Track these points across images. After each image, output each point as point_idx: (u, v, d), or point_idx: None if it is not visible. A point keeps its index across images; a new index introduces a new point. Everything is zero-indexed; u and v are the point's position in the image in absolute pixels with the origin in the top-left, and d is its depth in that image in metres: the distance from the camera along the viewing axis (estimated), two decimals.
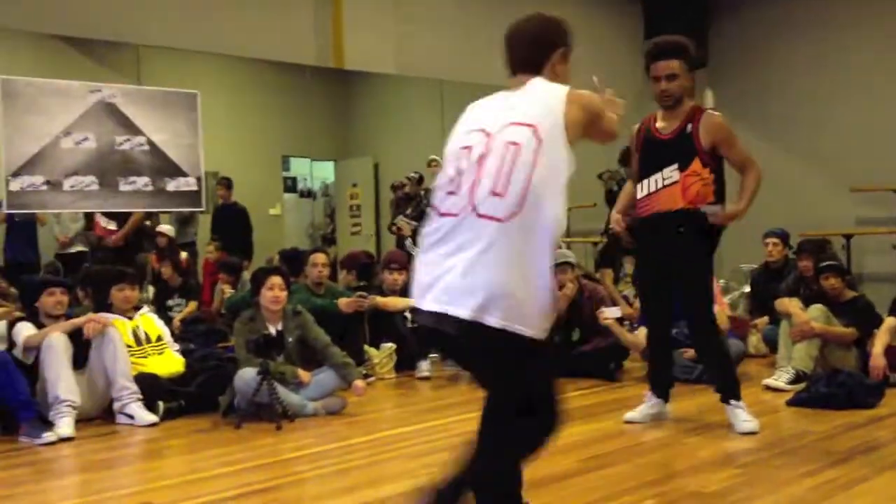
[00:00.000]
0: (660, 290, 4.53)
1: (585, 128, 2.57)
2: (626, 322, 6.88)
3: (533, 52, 2.68)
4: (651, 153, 4.43)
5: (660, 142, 4.39)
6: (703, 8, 10.18)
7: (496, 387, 2.54)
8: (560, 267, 6.43)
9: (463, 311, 2.33)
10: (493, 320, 2.32)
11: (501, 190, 2.39)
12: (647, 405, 4.67)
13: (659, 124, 4.43)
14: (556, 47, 2.70)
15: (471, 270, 2.36)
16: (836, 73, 9.34)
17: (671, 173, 4.30)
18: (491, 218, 2.38)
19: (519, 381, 2.48)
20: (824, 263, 5.98)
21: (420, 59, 8.83)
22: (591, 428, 4.48)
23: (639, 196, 4.47)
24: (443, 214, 2.48)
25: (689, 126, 4.32)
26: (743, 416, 4.34)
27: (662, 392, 4.66)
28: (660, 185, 4.34)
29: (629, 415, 4.66)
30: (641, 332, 6.05)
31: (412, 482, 3.63)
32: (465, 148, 2.52)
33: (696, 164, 4.27)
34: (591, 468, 3.77)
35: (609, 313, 6.07)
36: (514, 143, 2.43)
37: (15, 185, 6.50)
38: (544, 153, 2.41)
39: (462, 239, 2.40)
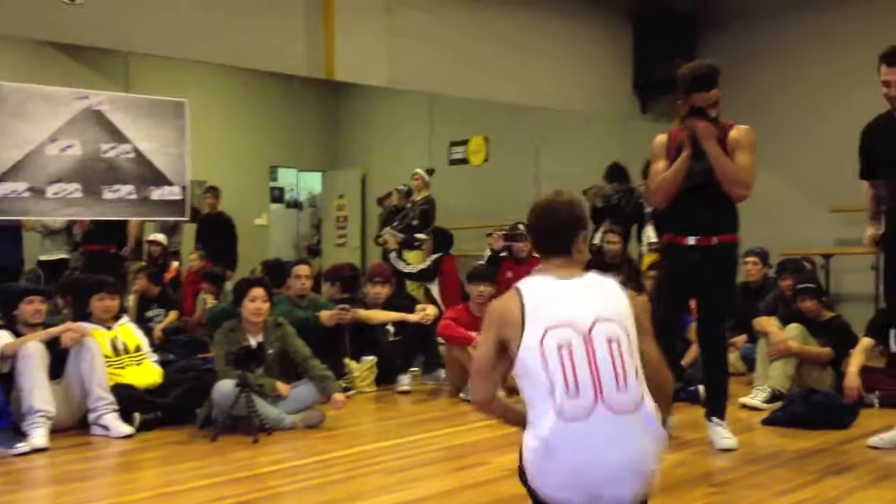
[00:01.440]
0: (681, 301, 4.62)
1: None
2: None
3: (564, 237, 2.93)
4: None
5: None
6: (691, 26, 10.25)
7: None
8: None
9: None
10: None
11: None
12: None
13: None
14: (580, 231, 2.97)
15: None
16: (819, 93, 9.41)
17: None
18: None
19: None
20: (801, 286, 6.02)
21: (411, 72, 8.85)
22: None
23: None
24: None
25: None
26: (724, 434, 4.39)
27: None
28: None
29: None
30: None
31: (390, 497, 3.64)
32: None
33: None
34: None
35: None
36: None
37: None
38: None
39: None
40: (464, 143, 11.79)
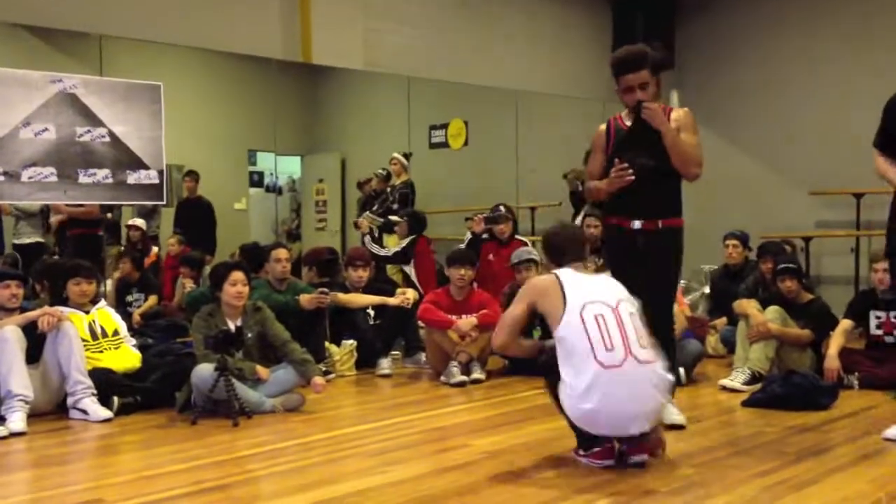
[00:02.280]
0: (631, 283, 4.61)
1: None
2: None
3: (581, 247, 4.05)
4: (622, 148, 4.43)
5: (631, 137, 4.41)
6: (670, 9, 10.24)
7: None
8: (524, 264, 6.46)
9: None
10: None
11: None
12: None
13: (628, 123, 4.45)
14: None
15: None
16: (800, 77, 9.44)
17: None
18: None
19: None
20: (781, 266, 6.04)
21: (388, 55, 8.79)
22: (547, 427, 4.48)
23: None
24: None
25: None
26: (673, 411, 4.40)
27: None
28: None
29: None
30: None
31: (369, 480, 3.64)
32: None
33: None
34: (547, 467, 3.78)
35: None
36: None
37: None
38: None
39: None
40: (444, 126, 11.73)
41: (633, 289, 4.41)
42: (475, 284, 6.55)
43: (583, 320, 3.60)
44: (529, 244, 7.66)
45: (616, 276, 4.51)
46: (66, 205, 7.37)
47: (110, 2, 7.19)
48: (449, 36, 8.94)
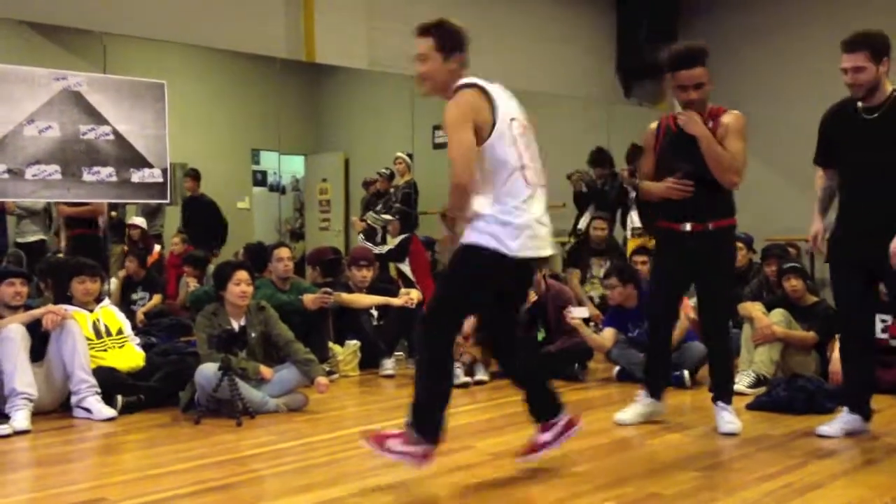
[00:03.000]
0: (674, 288, 4.61)
1: None
2: (592, 323, 6.90)
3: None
4: (668, 151, 4.43)
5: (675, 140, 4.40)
6: (674, 9, 10.23)
7: None
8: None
9: None
10: None
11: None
12: (640, 405, 4.65)
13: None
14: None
15: None
16: (802, 77, 9.43)
17: None
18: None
19: None
20: (787, 265, 6.03)
21: (391, 54, 8.80)
22: None
23: None
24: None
25: (710, 124, 4.36)
26: (728, 418, 4.40)
27: (657, 391, 4.66)
28: None
29: (620, 416, 4.64)
30: (607, 333, 6.07)
31: (372, 481, 3.63)
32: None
33: None
34: (551, 469, 3.77)
35: (577, 313, 6.06)
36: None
37: None
38: None
39: None
40: None
41: (683, 293, 4.42)
42: None
43: (512, 133, 3.43)
44: None
45: (667, 279, 4.56)
46: (67, 204, 7.36)
47: (113, 1, 7.19)
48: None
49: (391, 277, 8.05)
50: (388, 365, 6.36)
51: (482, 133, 3.38)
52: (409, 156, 10.29)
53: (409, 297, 6.65)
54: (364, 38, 8.57)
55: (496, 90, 3.48)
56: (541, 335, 6.26)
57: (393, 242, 8.37)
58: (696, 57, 4.30)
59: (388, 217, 8.96)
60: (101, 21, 7.27)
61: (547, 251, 3.53)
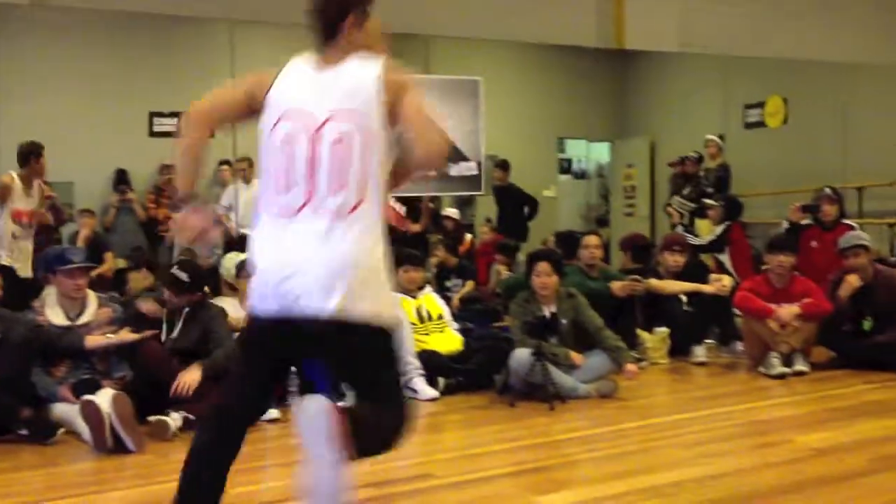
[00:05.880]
0: None
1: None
2: None
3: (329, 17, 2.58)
4: None
5: None
6: None
7: None
8: (853, 250, 6.01)
9: None
10: None
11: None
12: None
13: None
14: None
15: None
16: None
17: None
18: None
19: None
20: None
21: (704, 34, 8.55)
22: (883, 425, 4.19)
23: None
24: None
25: None
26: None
27: None
28: None
29: None
30: None
31: (687, 471, 3.59)
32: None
33: None
34: (883, 468, 3.53)
35: None
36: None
37: None
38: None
39: None
40: (760, 105, 11.18)
41: None
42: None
43: (273, 139, 2.48)
44: (858, 227, 7.11)
45: None
46: None
47: (436, 4, 7.59)
48: (767, 10, 8.51)
49: (702, 262, 7.84)
50: (700, 352, 6.23)
51: None
52: (721, 137, 9.97)
53: (722, 283, 6.45)
54: (675, 21, 8.38)
55: None
56: (868, 324, 5.82)
57: (714, 232, 8.11)
58: None
59: (710, 202, 8.70)
60: (424, 24, 7.70)
61: None
